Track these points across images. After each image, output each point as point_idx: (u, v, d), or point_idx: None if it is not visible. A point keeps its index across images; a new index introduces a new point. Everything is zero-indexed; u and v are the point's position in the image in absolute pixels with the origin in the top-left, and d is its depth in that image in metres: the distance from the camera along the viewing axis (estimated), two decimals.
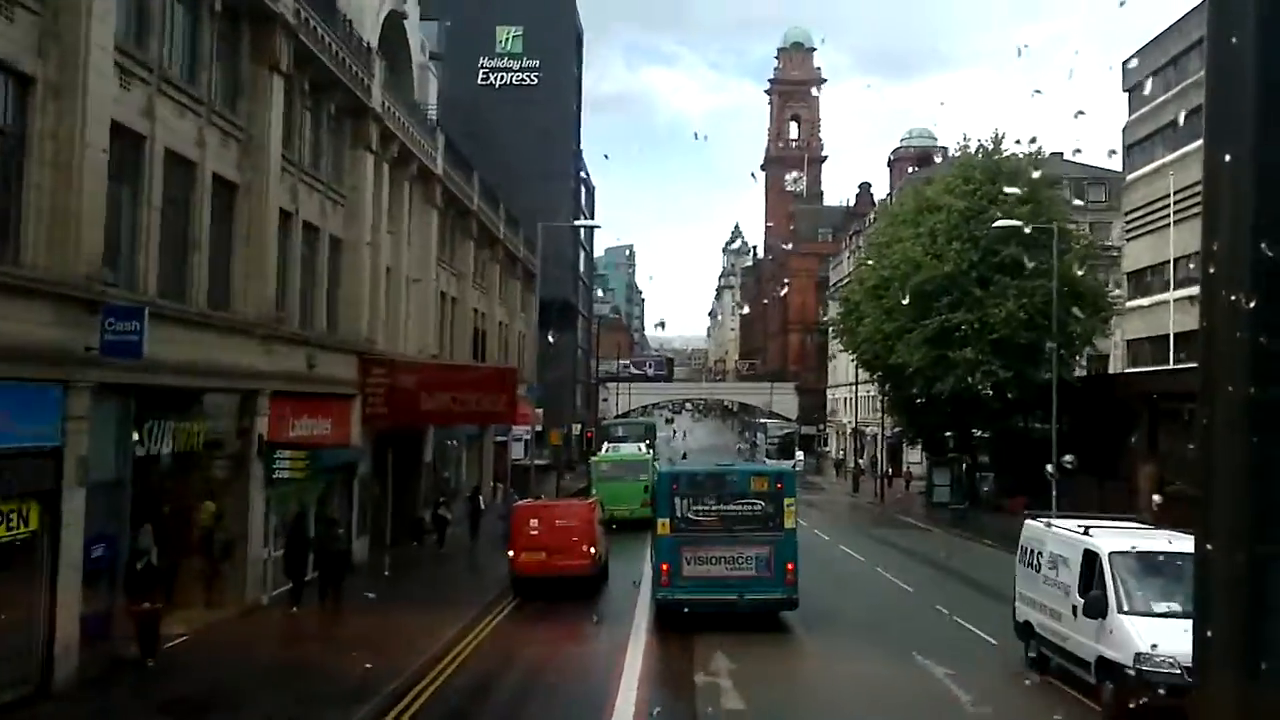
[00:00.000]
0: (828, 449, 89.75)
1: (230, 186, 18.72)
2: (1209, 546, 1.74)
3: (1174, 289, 40.14)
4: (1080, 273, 40.01)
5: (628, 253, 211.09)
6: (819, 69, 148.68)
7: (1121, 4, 35.73)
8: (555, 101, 67.87)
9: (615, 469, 34.85)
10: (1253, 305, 1.68)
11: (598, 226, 35.70)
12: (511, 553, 22.32)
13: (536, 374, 53.81)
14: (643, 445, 41.39)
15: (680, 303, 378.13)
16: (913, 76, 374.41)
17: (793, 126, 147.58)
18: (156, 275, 15.95)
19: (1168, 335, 40.64)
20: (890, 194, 73.63)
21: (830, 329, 61.06)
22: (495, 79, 68.25)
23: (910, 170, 76.52)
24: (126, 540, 15.52)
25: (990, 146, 46.21)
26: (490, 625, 19.72)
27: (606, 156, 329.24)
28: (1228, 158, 1.75)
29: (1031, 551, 16.84)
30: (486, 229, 40.69)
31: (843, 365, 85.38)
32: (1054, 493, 30.57)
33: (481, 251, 41.63)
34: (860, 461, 67.36)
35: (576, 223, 36.74)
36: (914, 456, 67.44)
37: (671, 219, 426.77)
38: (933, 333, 43.00)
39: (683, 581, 18.42)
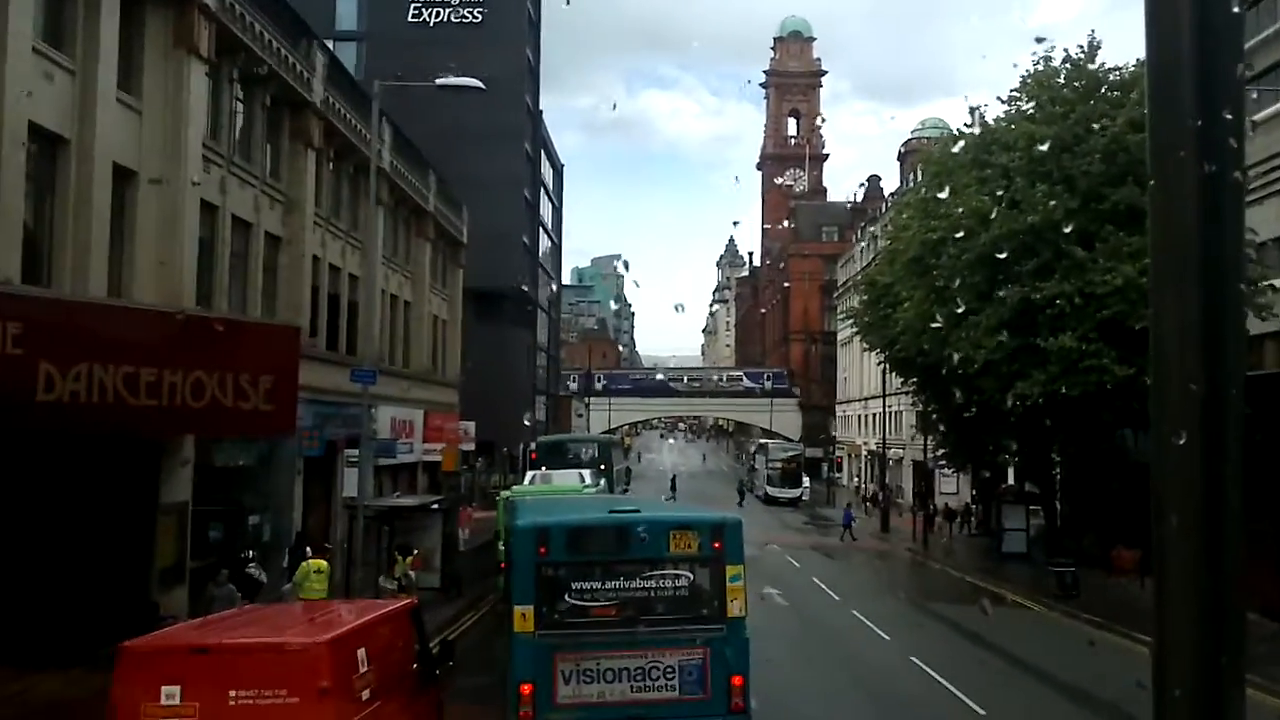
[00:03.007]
0: (839, 475, 76.00)
1: None
2: None
3: None
4: None
5: (615, 263, 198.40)
6: (818, 60, 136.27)
7: None
8: (505, 46, 54.60)
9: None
10: None
11: (481, 89, 22.26)
12: None
13: (460, 373, 40.35)
14: (587, 474, 27.12)
15: (677, 327, 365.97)
16: (915, 102, 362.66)
17: (791, 123, 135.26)
18: None
19: None
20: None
21: (850, 321, 47.57)
22: (429, 15, 55.28)
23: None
24: None
25: (1082, 56, 32.93)
26: None
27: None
28: None
29: None
30: (353, 148, 26.97)
31: (856, 376, 71.92)
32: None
33: (349, 182, 28.02)
34: (888, 492, 53.68)
35: (441, 80, 22.40)
36: (948, 485, 54.15)
37: (669, 244, 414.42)
38: (1012, 312, 29.59)
39: (556, 714, 10.42)
